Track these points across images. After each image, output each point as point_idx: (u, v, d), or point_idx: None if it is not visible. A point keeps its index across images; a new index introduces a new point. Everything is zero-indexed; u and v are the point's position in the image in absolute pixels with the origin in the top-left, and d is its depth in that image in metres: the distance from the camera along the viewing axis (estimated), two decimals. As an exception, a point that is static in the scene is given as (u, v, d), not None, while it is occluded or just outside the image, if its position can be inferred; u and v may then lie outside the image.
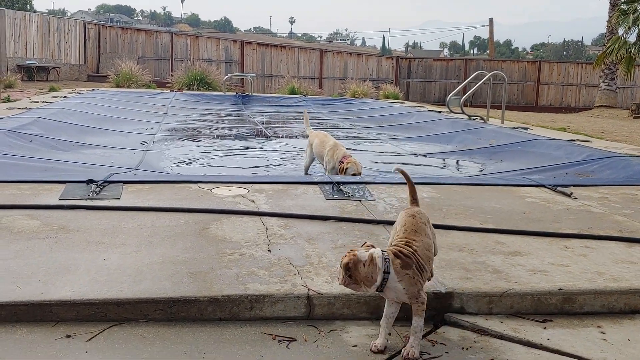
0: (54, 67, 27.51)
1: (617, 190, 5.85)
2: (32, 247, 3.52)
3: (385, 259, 2.61)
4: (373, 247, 2.68)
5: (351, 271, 2.58)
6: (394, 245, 2.74)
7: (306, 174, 7.28)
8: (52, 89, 17.79)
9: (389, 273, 2.60)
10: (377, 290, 2.63)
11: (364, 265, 2.58)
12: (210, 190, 5.09)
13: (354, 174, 6.33)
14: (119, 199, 4.66)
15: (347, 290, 3.01)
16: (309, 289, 3.03)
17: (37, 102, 12.77)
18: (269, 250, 3.59)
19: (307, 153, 7.45)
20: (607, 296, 3.22)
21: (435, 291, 3.09)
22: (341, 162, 6.64)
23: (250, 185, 5.35)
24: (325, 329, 2.92)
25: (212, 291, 2.96)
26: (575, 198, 5.38)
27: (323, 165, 7.03)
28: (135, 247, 3.59)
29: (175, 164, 7.84)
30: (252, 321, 2.94)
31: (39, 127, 8.73)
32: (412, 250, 2.69)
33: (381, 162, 8.49)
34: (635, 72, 25.73)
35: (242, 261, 3.39)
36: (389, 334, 2.76)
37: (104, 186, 4.97)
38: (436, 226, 4.28)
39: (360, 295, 3.00)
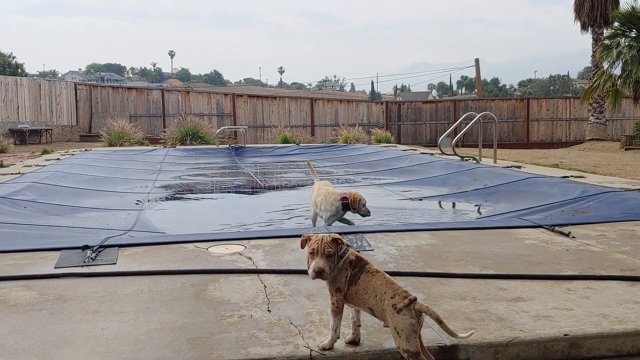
0: (46, 130, 27.67)
1: (615, 226, 5.84)
2: (28, 320, 3.46)
3: None
4: None
5: None
6: None
7: (314, 225, 6.96)
8: (44, 152, 17.82)
9: None
10: None
11: None
12: (207, 249, 5.06)
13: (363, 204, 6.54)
14: (115, 264, 4.62)
15: (350, 349, 2.97)
16: (311, 350, 2.97)
17: (30, 165, 12.79)
18: (268, 310, 3.54)
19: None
20: (613, 339, 3.17)
21: (440, 344, 3.04)
22: (345, 198, 6.50)
23: (247, 241, 5.32)
24: (330, 390, 2.86)
25: (212, 358, 2.90)
26: (574, 237, 5.36)
27: (320, 215, 6.77)
28: (133, 314, 3.53)
29: (170, 223, 7.79)
30: (255, 386, 2.88)
31: (33, 192, 8.70)
32: None
33: (377, 208, 8.44)
34: (622, 104, 25.99)
35: (242, 323, 3.33)
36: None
37: (100, 251, 4.93)
38: (437, 274, 4.27)
39: (364, 353, 2.95)
